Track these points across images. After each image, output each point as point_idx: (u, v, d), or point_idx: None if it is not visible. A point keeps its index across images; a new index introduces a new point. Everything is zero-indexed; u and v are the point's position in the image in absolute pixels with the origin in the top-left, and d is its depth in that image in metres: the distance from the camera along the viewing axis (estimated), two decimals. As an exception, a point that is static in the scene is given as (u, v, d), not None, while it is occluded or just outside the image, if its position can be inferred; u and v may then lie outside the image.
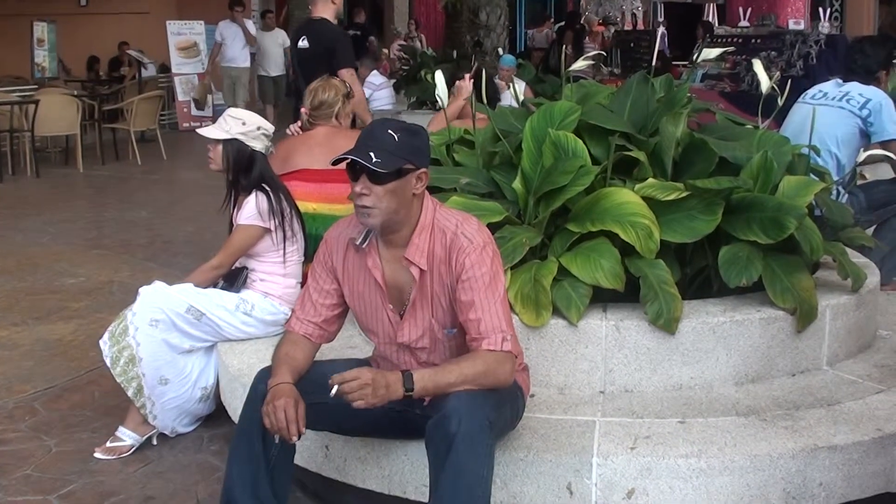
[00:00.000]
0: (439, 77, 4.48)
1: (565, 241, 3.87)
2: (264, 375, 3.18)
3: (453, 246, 3.06)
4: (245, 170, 4.42)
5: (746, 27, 18.55)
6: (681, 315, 3.67)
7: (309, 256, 4.65)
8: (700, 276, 4.08)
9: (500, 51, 14.02)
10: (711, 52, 4.54)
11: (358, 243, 3.18)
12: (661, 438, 3.33)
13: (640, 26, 25.12)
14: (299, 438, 2.98)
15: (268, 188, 4.42)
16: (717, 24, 18.95)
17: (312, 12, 7.11)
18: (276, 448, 3.13)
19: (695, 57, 4.45)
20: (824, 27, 14.00)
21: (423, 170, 3.08)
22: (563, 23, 21.33)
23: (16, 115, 12.23)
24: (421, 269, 3.09)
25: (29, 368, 5.36)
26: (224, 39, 15.42)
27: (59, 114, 12.47)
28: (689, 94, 4.42)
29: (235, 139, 4.39)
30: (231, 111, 4.56)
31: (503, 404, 3.08)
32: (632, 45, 17.76)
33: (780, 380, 3.84)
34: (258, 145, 4.42)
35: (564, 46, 14.53)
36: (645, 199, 3.82)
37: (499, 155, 4.37)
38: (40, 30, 14.95)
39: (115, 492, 3.94)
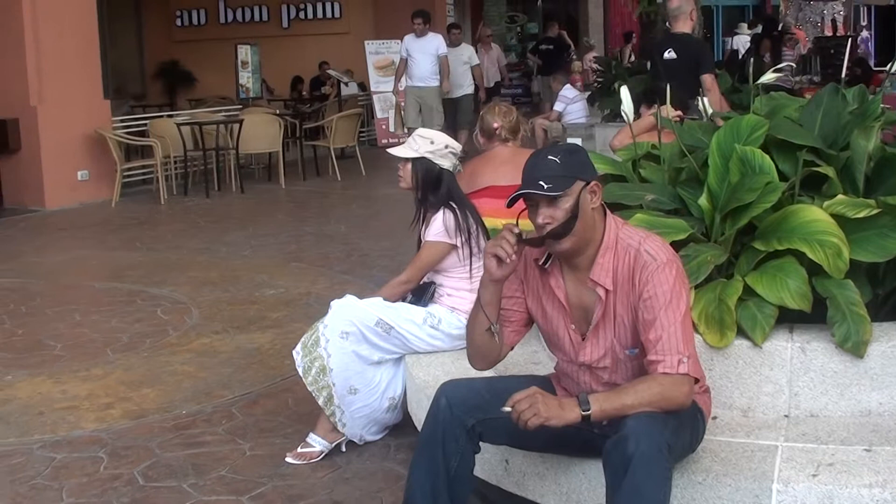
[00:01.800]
0: (625, 92, 4.48)
1: (751, 260, 3.81)
2: (446, 389, 3.26)
3: (637, 263, 3.07)
4: (433, 188, 4.53)
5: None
6: (870, 338, 3.55)
7: None
8: (894, 296, 3.93)
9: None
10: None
11: (541, 263, 3.22)
12: (845, 466, 3.23)
13: (841, 32, 24.23)
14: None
15: (455, 206, 4.52)
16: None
17: (674, 28, 8.52)
18: (457, 460, 3.20)
19: (892, 65, 4.26)
20: None
21: (593, 182, 3.10)
22: (759, 30, 20.81)
23: (221, 134, 12.85)
24: (607, 290, 3.11)
25: (228, 375, 5.64)
26: (410, 55, 14.24)
27: (261, 132, 13.03)
28: (882, 106, 4.26)
29: (424, 158, 4.51)
30: (420, 130, 4.70)
31: (682, 427, 3.06)
32: (832, 51, 17.16)
33: (979, 409, 3.66)
34: (446, 164, 4.52)
35: (761, 55, 14.17)
36: (834, 216, 3.72)
37: (685, 171, 4.33)
38: (244, 52, 15.63)
39: (303, 495, 4.10)
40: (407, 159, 4.56)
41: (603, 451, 2.93)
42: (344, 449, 4.52)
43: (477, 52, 18.16)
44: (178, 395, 5.34)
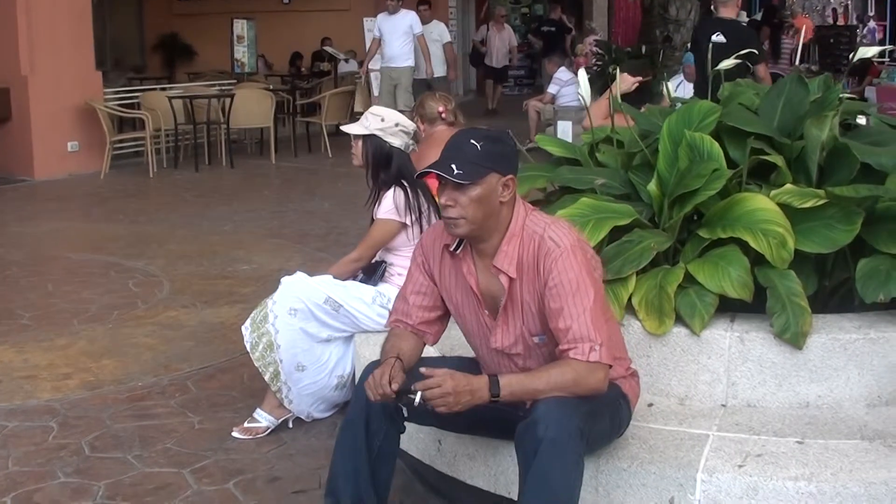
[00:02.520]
0: (582, 75, 4.43)
1: (696, 248, 3.76)
2: (370, 369, 3.21)
3: (541, 251, 3.01)
4: (384, 166, 4.49)
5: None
6: (809, 329, 3.50)
7: None
8: (842, 288, 3.88)
9: (689, 46, 13.68)
10: (869, 51, 4.29)
11: (452, 249, 3.18)
12: (774, 458, 3.18)
13: (841, 22, 24.05)
14: (393, 397, 2.96)
15: (406, 184, 4.47)
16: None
17: (720, 13, 8.60)
18: (380, 439, 3.17)
19: (851, 56, 4.19)
20: None
21: (509, 177, 3.03)
22: (757, 17, 20.63)
23: (213, 109, 12.78)
24: (510, 278, 3.06)
25: (188, 349, 5.62)
26: (382, 34, 13.38)
27: (253, 107, 12.98)
28: (841, 96, 4.18)
29: (374, 135, 4.46)
30: (373, 108, 4.66)
31: (599, 413, 3.02)
32: (831, 41, 17.06)
33: (920, 404, 3.62)
34: (396, 142, 4.47)
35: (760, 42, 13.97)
36: (781, 206, 3.67)
37: (638, 156, 4.28)
38: (240, 27, 15.54)
39: (243, 470, 4.09)
40: (357, 136, 4.51)
41: (515, 434, 2.89)
42: (291, 425, 4.50)
43: (488, 30, 18.14)
44: (137, 367, 5.32)
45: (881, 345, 3.54)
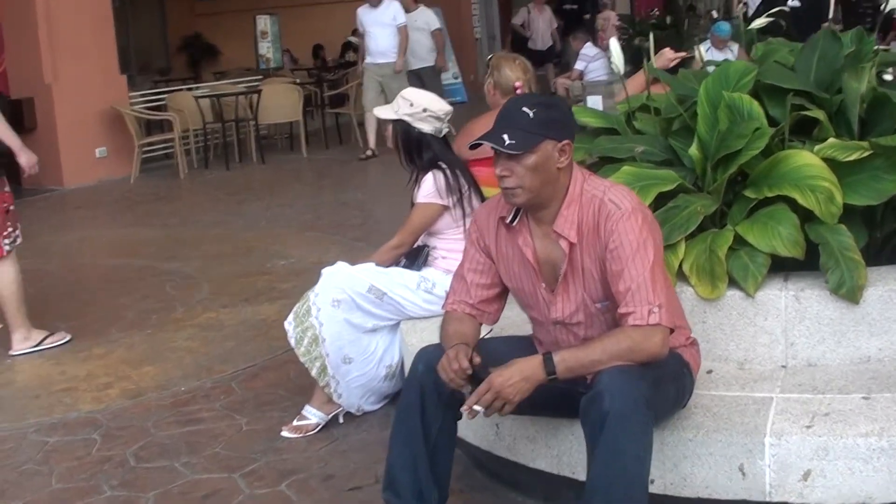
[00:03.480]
0: (614, 44, 4.35)
1: (743, 209, 3.69)
2: (424, 354, 3.16)
3: (601, 213, 2.96)
4: (416, 151, 4.44)
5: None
6: (865, 283, 3.42)
7: None
8: (893, 239, 3.80)
9: (714, 14, 13.57)
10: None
11: (508, 221, 3.12)
12: (842, 416, 3.12)
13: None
14: (469, 378, 2.90)
15: (445, 166, 4.41)
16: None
17: None
18: (437, 427, 3.12)
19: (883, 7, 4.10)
20: None
21: (565, 142, 2.98)
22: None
23: (241, 105, 12.76)
24: (570, 242, 3.00)
25: (230, 349, 5.57)
26: (365, 28, 12.40)
27: (281, 101, 12.92)
28: (876, 48, 4.09)
29: (402, 120, 4.41)
30: (405, 91, 4.59)
31: (664, 381, 2.96)
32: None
33: (984, 351, 3.53)
34: (426, 127, 4.41)
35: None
36: (825, 160, 3.59)
37: (677, 121, 4.20)
38: (263, 23, 15.52)
39: (296, 470, 4.03)
40: (388, 120, 4.47)
41: (580, 408, 2.84)
42: (342, 420, 4.44)
43: (529, 13, 17.79)
44: (178, 371, 5.27)
45: (939, 294, 3.46)
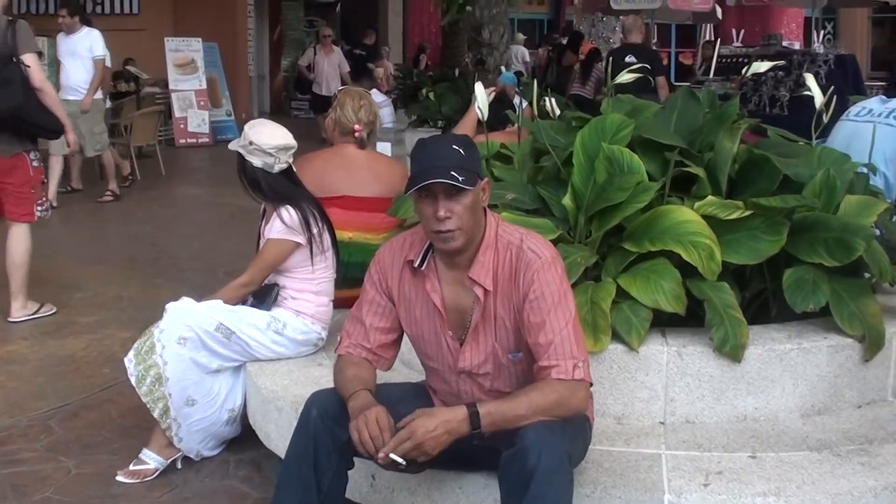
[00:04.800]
0: (479, 88, 4.28)
1: (620, 262, 3.69)
2: (317, 399, 2.97)
3: (520, 261, 2.86)
4: (252, 185, 4.25)
5: (740, 47, 18.38)
6: (747, 342, 3.47)
7: (340, 281, 4.47)
8: (758, 299, 3.89)
9: (503, 69, 13.86)
10: (762, 66, 4.33)
11: (417, 265, 2.98)
12: (735, 474, 3.13)
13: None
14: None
15: (296, 201, 4.21)
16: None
17: (628, 39, 11.26)
18: (329, 478, 2.92)
19: (745, 71, 4.23)
20: (819, 47, 13.90)
21: (485, 180, 2.90)
22: (560, 41, 21.08)
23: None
24: (486, 290, 2.88)
25: (41, 385, 5.14)
26: (61, 59, 10.90)
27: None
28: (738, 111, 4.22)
29: (238, 152, 4.23)
30: (251, 122, 4.37)
31: (577, 435, 2.89)
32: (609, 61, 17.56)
33: (847, 412, 3.65)
34: (256, 161, 4.19)
35: (565, 66, 14.41)
36: (704, 217, 3.64)
37: (544, 170, 4.18)
38: (39, 43, 14.64)
39: (140, 519, 3.71)
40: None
41: (500, 465, 2.71)
42: (180, 465, 4.15)
43: (315, 54, 17.16)
44: (-12, 407, 4.80)
45: (814, 354, 3.56)
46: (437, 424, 2.67)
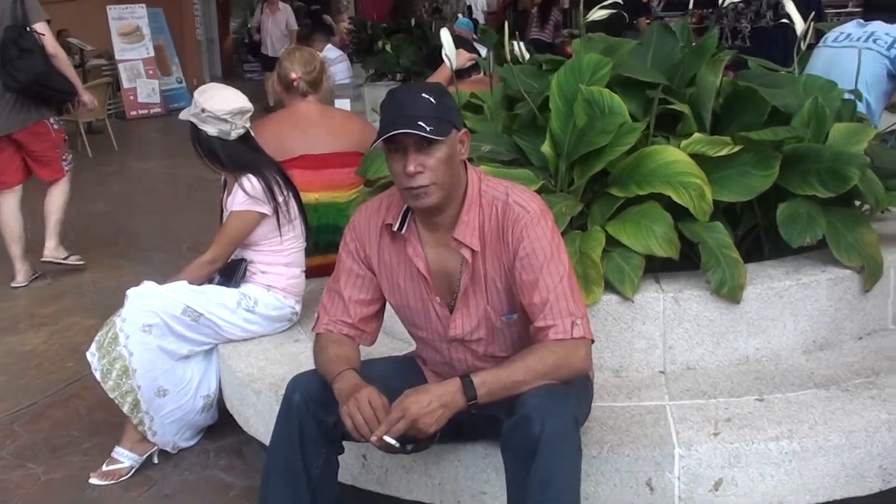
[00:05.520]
0: (445, 34, 4.06)
1: (606, 208, 3.51)
2: (299, 383, 2.78)
3: (507, 217, 2.67)
4: (208, 155, 4.02)
5: (702, -23, 18.15)
6: (745, 282, 3.32)
7: (311, 248, 4.30)
8: (749, 236, 3.74)
9: (461, 15, 13.65)
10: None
11: (396, 228, 2.78)
12: (744, 420, 2.99)
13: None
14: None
15: (259, 170, 3.99)
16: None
17: None
18: (319, 466, 2.74)
19: (721, 2, 4.04)
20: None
21: (463, 131, 2.70)
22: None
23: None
24: (473, 250, 2.69)
25: (1, 385, 4.89)
26: None
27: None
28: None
29: (190, 122, 4.00)
30: (201, 87, 4.12)
31: (582, 396, 2.73)
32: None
33: (848, 344, 3.52)
34: (210, 129, 3.96)
35: (528, 10, 14.19)
36: (692, 156, 3.47)
37: (519, 118, 3.99)
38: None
39: (118, 521, 3.51)
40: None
41: (502, 435, 2.54)
42: (157, 460, 3.96)
43: (262, 13, 16.54)
44: (-56, 411, 4.57)
45: (813, 289, 3.42)
46: (431, 399, 2.49)
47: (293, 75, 4.87)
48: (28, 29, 6.29)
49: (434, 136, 2.52)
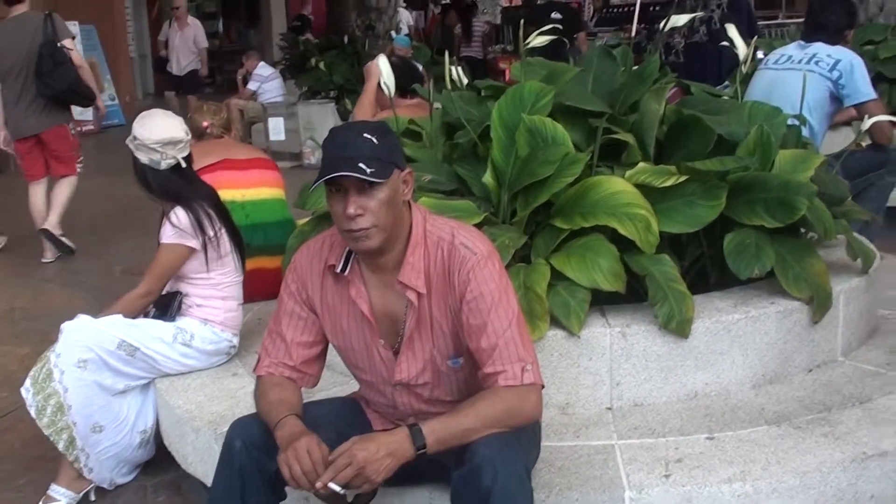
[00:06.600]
0: (383, 61, 3.98)
1: (550, 240, 3.43)
2: (238, 428, 2.67)
3: (453, 259, 2.58)
4: (143, 183, 3.92)
5: (632, -7, 18.32)
6: (693, 315, 3.27)
7: (249, 249, 4.25)
8: (695, 266, 3.69)
9: (393, 33, 13.53)
10: (680, 19, 4.12)
11: (339, 270, 2.68)
12: (695, 461, 2.93)
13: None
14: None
15: (190, 202, 3.88)
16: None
17: None
18: None
19: (663, 25, 4.01)
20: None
21: (407, 170, 2.61)
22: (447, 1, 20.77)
23: None
24: (418, 293, 2.61)
25: (-74, 417, 4.71)
26: None
27: None
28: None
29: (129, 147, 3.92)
30: (142, 113, 4.01)
31: (532, 442, 2.66)
32: (522, 21, 17.37)
33: (798, 377, 3.49)
34: (142, 157, 3.86)
35: (449, 26, 14.21)
36: (637, 186, 3.41)
37: (460, 147, 3.91)
38: None
39: (55, 564, 3.37)
40: None
41: (452, 486, 2.45)
42: (93, 497, 3.83)
43: (170, 27, 15.93)
44: None
45: (762, 322, 3.38)
46: (378, 447, 2.39)
47: (204, 123, 5.05)
48: (59, 45, 7.38)
49: (375, 178, 2.43)
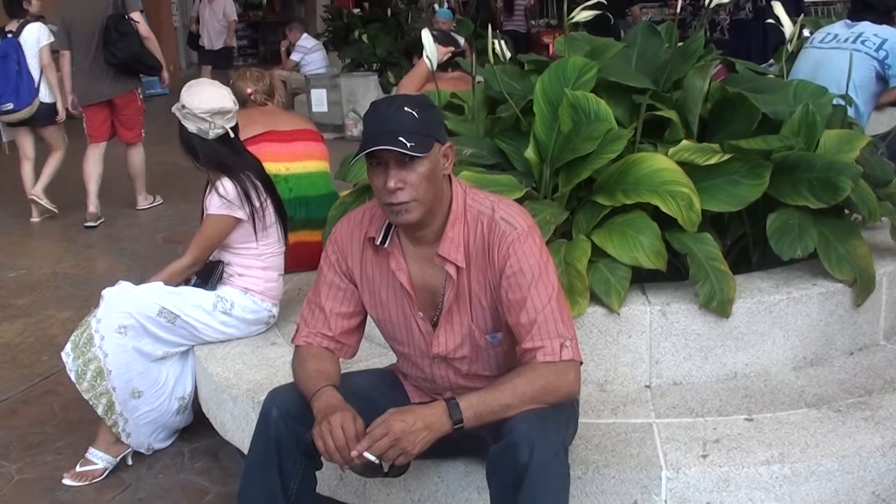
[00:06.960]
0: (426, 36, 3.96)
1: (592, 217, 3.42)
2: (276, 398, 2.69)
3: (493, 233, 2.57)
4: (190, 152, 3.93)
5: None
6: (734, 295, 3.24)
7: (291, 223, 4.24)
8: (737, 245, 3.66)
9: (436, 6, 13.51)
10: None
11: (379, 242, 2.68)
12: (734, 441, 2.91)
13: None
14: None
15: (236, 172, 3.89)
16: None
17: None
18: (297, 482, 2.66)
19: (708, 2, 3.94)
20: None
21: (447, 144, 2.59)
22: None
23: None
24: (458, 267, 2.60)
25: (-26, 381, 4.78)
26: None
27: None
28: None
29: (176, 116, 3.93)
30: (190, 82, 4.02)
31: (570, 419, 2.65)
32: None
33: (839, 360, 3.45)
34: (191, 126, 3.87)
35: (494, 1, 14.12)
36: (680, 163, 3.38)
37: (501, 121, 3.89)
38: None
39: (92, 526, 3.41)
40: None
41: (487, 460, 2.46)
42: (130, 462, 3.87)
43: (200, 1, 15.83)
44: (-87, 409, 4.45)
45: (804, 303, 3.34)
46: (416, 420, 2.39)
47: (248, 90, 5.03)
48: (126, 17, 7.82)
49: (414, 152, 2.42)
